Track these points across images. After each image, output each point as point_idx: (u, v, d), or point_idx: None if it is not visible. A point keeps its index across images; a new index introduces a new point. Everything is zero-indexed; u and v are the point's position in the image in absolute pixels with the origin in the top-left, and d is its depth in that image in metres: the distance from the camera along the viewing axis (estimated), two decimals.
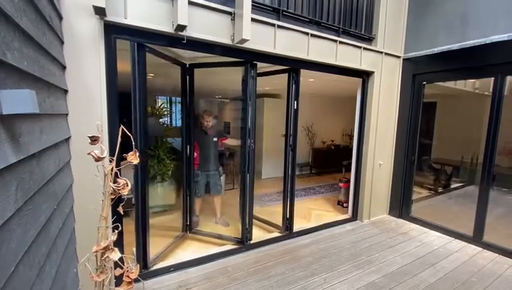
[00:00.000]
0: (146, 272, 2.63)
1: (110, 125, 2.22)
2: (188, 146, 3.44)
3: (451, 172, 6.21)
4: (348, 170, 4.56)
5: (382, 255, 3.15)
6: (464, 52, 3.48)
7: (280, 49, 3.02)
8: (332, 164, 7.45)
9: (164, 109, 4.82)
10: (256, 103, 3.20)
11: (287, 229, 3.55)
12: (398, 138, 4.38)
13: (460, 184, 5.91)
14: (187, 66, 3.22)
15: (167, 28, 2.33)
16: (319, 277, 2.68)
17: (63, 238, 1.67)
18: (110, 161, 1.21)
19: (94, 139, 1.12)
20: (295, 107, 3.40)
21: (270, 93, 7.24)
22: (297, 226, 3.90)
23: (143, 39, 2.33)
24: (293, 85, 3.35)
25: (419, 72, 4.08)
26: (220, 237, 3.41)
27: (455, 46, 3.54)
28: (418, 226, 4.08)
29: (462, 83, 4.94)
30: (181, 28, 2.28)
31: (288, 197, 3.58)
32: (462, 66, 3.65)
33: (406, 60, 4.19)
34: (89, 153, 1.10)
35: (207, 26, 2.53)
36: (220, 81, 5.41)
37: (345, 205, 4.69)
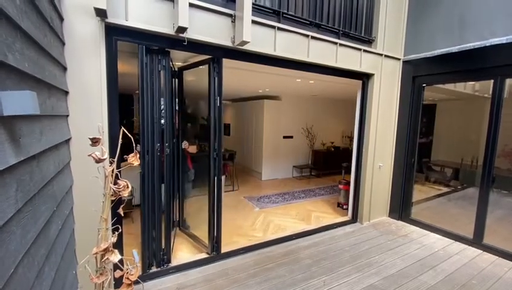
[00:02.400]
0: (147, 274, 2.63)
1: (111, 127, 2.22)
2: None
3: (451, 174, 6.22)
4: (348, 171, 4.56)
5: (382, 258, 3.14)
6: (463, 55, 3.50)
7: (280, 51, 3.02)
8: (332, 165, 7.46)
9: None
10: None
11: (214, 250, 3.00)
12: (398, 140, 4.38)
13: (460, 186, 5.92)
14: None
15: (168, 29, 2.34)
16: (319, 280, 2.67)
17: (62, 240, 1.66)
18: (111, 163, 1.21)
19: (95, 141, 1.13)
20: (218, 104, 2.83)
21: (270, 95, 7.26)
22: (291, 230, 3.90)
23: (144, 41, 2.34)
24: (215, 78, 2.79)
25: (419, 74, 4.09)
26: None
27: (454, 48, 3.55)
28: (418, 228, 4.07)
29: (462, 85, 4.96)
30: (182, 29, 2.29)
31: (215, 212, 2.98)
32: (461, 69, 3.66)
33: (405, 63, 4.21)
34: (89, 155, 1.10)
35: (208, 28, 2.54)
36: None
37: (344, 207, 4.68)
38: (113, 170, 1.11)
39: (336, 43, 3.48)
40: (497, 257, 3.25)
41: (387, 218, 4.47)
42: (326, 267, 2.91)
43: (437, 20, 3.80)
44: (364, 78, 4.02)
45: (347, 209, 4.49)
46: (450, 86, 4.56)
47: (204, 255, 3.01)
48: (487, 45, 3.25)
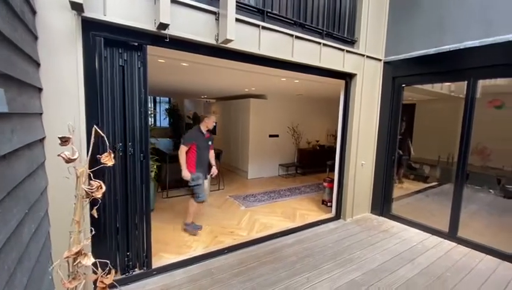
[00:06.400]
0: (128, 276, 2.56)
1: (89, 126, 2.15)
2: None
3: (429, 171, 6.49)
4: (332, 169, 4.65)
5: (363, 253, 3.23)
6: (439, 57, 3.64)
7: (265, 50, 3.03)
8: (317, 164, 7.58)
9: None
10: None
11: (144, 265, 2.67)
12: (379, 138, 4.51)
13: (437, 182, 6.19)
14: None
15: (149, 26, 2.28)
16: (302, 277, 2.71)
17: (36, 244, 1.59)
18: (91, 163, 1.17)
19: (65, 140, 1.08)
20: (143, 99, 2.47)
21: (256, 94, 7.27)
22: (279, 227, 3.94)
23: (124, 37, 2.27)
24: (140, 68, 2.42)
25: (398, 75, 4.23)
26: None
27: (431, 50, 3.69)
28: (398, 223, 4.22)
29: (439, 86, 5.17)
30: (163, 26, 2.24)
31: (144, 222, 2.62)
32: (438, 70, 3.82)
33: (386, 63, 4.33)
34: (59, 155, 1.06)
35: (191, 26, 2.50)
36: (205, 80, 5.36)
37: (329, 204, 4.77)
38: (85, 171, 1.07)
39: (319, 43, 3.53)
40: (470, 249, 3.42)
41: (370, 214, 4.60)
42: (309, 264, 2.96)
43: (416, 22, 3.94)
44: (347, 78, 4.11)
45: (331, 206, 4.58)
46: (427, 87, 4.75)
47: (136, 271, 2.66)
48: (461, 47, 3.40)
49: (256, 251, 3.25)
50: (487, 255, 3.26)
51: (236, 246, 3.28)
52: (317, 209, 4.81)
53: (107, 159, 1.16)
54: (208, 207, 4.81)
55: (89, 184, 1.08)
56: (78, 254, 0.94)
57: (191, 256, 3.00)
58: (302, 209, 4.80)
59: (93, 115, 2.19)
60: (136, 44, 2.35)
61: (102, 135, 1.19)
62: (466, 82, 3.51)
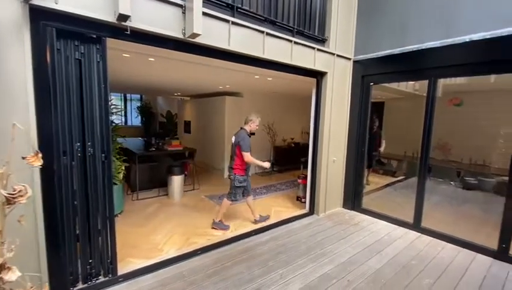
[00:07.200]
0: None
1: (41, 125, 1.97)
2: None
3: (396, 166, 6.84)
4: (306, 166, 4.72)
5: (335, 247, 3.31)
6: (404, 56, 3.81)
7: (235, 46, 2.97)
8: (292, 161, 7.67)
9: (113, 107, 4.46)
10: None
11: (109, 273, 2.51)
12: (349, 135, 4.65)
13: (404, 176, 6.54)
14: None
15: (108, 17, 2.13)
16: (276, 273, 2.72)
17: None
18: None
19: None
20: (104, 95, 2.28)
21: (232, 91, 7.18)
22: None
23: (79, 28, 2.10)
24: (99, 62, 2.24)
25: (367, 73, 4.38)
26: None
27: (396, 50, 3.86)
28: (368, 217, 4.39)
29: (404, 84, 5.45)
30: (123, 17, 2.10)
31: (108, 226, 2.45)
32: (402, 69, 4.01)
33: (355, 62, 4.46)
34: None
35: (155, 18, 2.37)
36: (178, 77, 5.19)
37: (303, 200, 4.84)
38: (4, 173, 0.95)
39: (290, 41, 3.54)
40: (432, 238, 3.64)
41: (341, 209, 4.74)
42: (283, 260, 2.97)
43: (382, 23, 4.09)
44: (319, 76, 4.17)
45: (305, 202, 4.65)
46: (394, 85, 4.97)
47: (101, 279, 2.49)
48: (423, 47, 3.58)
49: (231, 250, 3.20)
50: (448, 244, 3.49)
51: (210, 247, 3.21)
52: (292, 205, 4.86)
53: (34, 160, 1.04)
54: (182, 207, 4.68)
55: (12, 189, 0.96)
56: (1, 268, 0.83)
57: (162, 259, 2.89)
58: (277, 206, 4.83)
59: (45, 113, 2.01)
60: (94, 36, 2.18)
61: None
62: (427, 81, 3.71)
